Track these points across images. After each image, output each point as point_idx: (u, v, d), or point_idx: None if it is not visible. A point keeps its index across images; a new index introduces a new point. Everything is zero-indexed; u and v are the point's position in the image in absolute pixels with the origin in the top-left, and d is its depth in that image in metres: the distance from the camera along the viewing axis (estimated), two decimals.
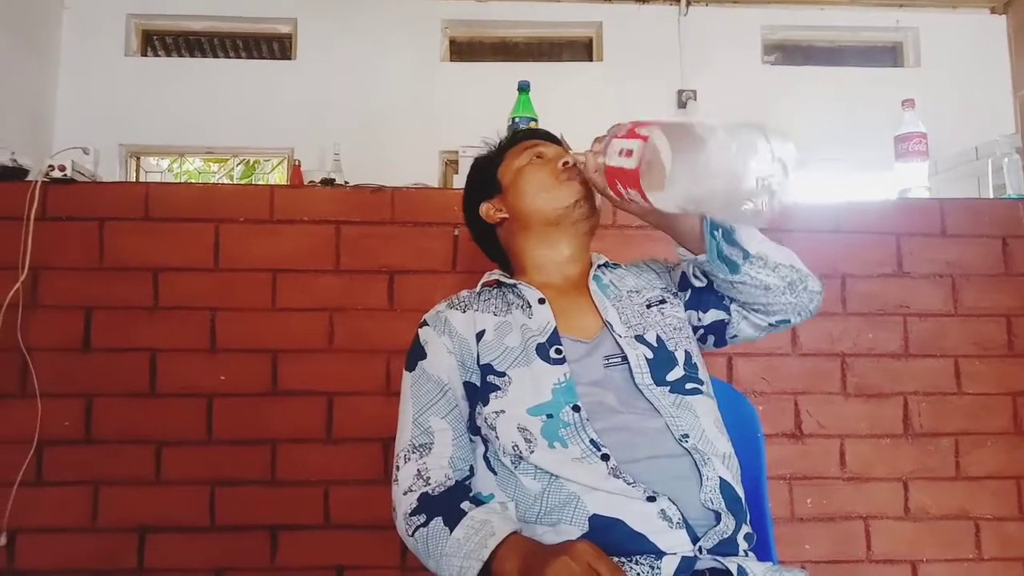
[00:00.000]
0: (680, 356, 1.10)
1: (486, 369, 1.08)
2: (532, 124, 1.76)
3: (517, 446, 1.01)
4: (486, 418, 1.05)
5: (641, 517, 0.93)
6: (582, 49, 5.07)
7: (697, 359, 1.12)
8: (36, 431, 1.63)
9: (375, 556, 1.66)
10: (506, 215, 1.23)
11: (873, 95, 4.44)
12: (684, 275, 1.19)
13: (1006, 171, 2.05)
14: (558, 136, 1.29)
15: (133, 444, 1.67)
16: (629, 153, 0.88)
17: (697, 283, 1.16)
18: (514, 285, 1.19)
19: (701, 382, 1.10)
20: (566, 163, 1.16)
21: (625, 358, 1.08)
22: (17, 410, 1.65)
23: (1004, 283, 1.87)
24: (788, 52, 5.09)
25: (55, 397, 1.66)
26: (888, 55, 5.11)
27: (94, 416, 1.67)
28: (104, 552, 1.64)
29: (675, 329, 1.13)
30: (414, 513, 1.00)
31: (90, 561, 1.63)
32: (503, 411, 1.04)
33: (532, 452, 1.00)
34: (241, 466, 1.68)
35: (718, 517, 0.96)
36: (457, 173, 2.02)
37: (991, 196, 2.23)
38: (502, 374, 1.07)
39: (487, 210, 1.25)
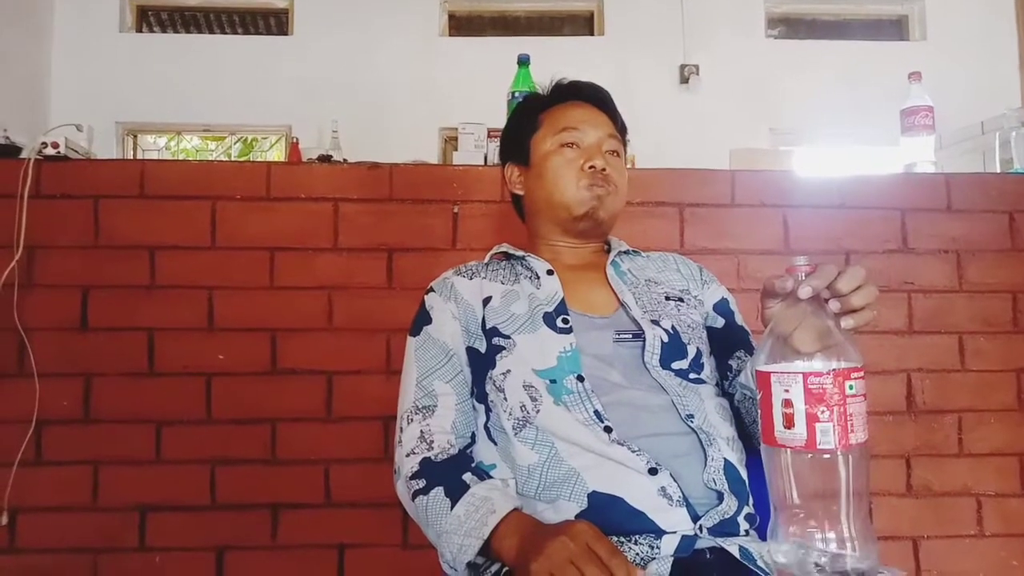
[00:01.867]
0: (691, 351, 1.08)
1: (492, 333, 1.07)
2: None
3: (524, 406, 1.01)
4: (495, 381, 1.04)
5: (641, 494, 0.92)
6: (583, 23, 5.01)
7: (706, 360, 1.11)
8: (35, 411, 1.63)
9: (376, 534, 1.66)
10: (523, 192, 1.22)
11: (878, 69, 4.40)
12: (710, 311, 1.20)
13: (1013, 145, 2.02)
14: (608, 96, 1.22)
15: (132, 423, 1.66)
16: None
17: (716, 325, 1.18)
18: (523, 257, 1.18)
19: (705, 378, 1.09)
20: (592, 167, 1.13)
21: (637, 335, 1.07)
22: (15, 390, 1.64)
23: (1010, 259, 1.85)
24: (792, 26, 5.02)
25: (53, 377, 1.65)
26: (893, 28, 5.05)
27: (93, 395, 1.67)
28: (105, 531, 1.64)
29: (689, 327, 1.12)
30: (415, 477, 0.99)
31: (91, 540, 1.63)
32: (510, 371, 1.03)
33: (538, 411, 1.00)
34: (241, 445, 1.67)
35: (720, 497, 0.95)
36: (457, 150, 1.99)
37: (998, 171, 2.20)
38: (507, 337, 1.06)
39: (510, 175, 1.25)
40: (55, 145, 1.69)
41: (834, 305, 0.78)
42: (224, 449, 1.67)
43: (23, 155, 1.73)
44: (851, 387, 0.76)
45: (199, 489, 1.66)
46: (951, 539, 1.78)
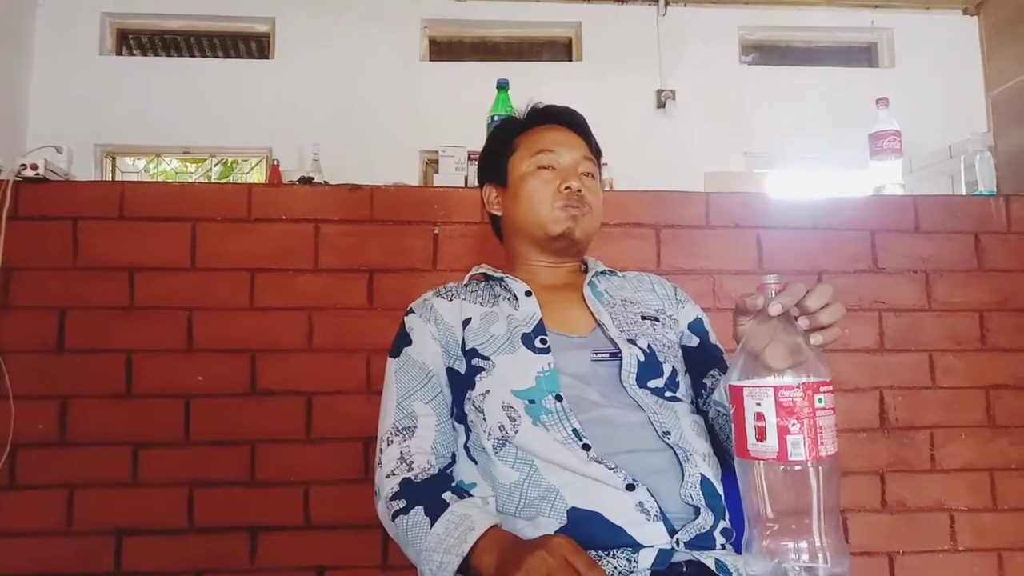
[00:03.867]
0: (667, 369, 1.10)
1: (471, 354, 1.08)
2: None
3: (503, 426, 1.02)
4: (474, 401, 1.05)
5: (619, 510, 0.94)
6: (562, 49, 5.08)
7: (681, 378, 1.13)
8: (10, 434, 1.61)
9: (356, 556, 1.65)
10: (500, 213, 1.24)
11: (849, 95, 4.50)
12: (685, 331, 1.22)
13: (978, 168, 2.08)
14: (583, 120, 1.25)
15: (109, 446, 1.65)
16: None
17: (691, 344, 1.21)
18: (501, 278, 1.20)
19: (681, 396, 1.10)
20: (568, 188, 1.15)
21: (614, 355, 1.09)
22: None
23: (977, 278, 1.90)
24: (765, 52, 5.13)
25: (29, 399, 1.64)
26: (863, 55, 5.18)
27: (69, 418, 1.65)
28: (80, 555, 1.61)
29: (665, 346, 1.14)
30: (395, 498, 1.00)
31: (66, 565, 1.61)
32: (489, 391, 1.04)
33: (517, 432, 1.01)
34: (220, 467, 1.66)
35: (697, 512, 0.97)
36: (437, 172, 2.01)
37: (964, 193, 2.26)
38: (486, 358, 1.07)
39: (488, 196, 1.27)
40: (34, 166, 1.69)
41: (803, 322, 0.81)
42: (202, 471, 1.66)
43: (1, 176, 1.72)
44: (820, 400, 0.78)
45: (176, 512, 1.64)
46: (925, 554, 1.80)
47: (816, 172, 4.63)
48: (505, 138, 1.25)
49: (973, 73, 4.70)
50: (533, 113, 1.26)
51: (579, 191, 1.16)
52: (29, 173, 1.68)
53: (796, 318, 0.81)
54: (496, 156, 1.25)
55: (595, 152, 1.25)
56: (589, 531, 0.93)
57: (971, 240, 1.91)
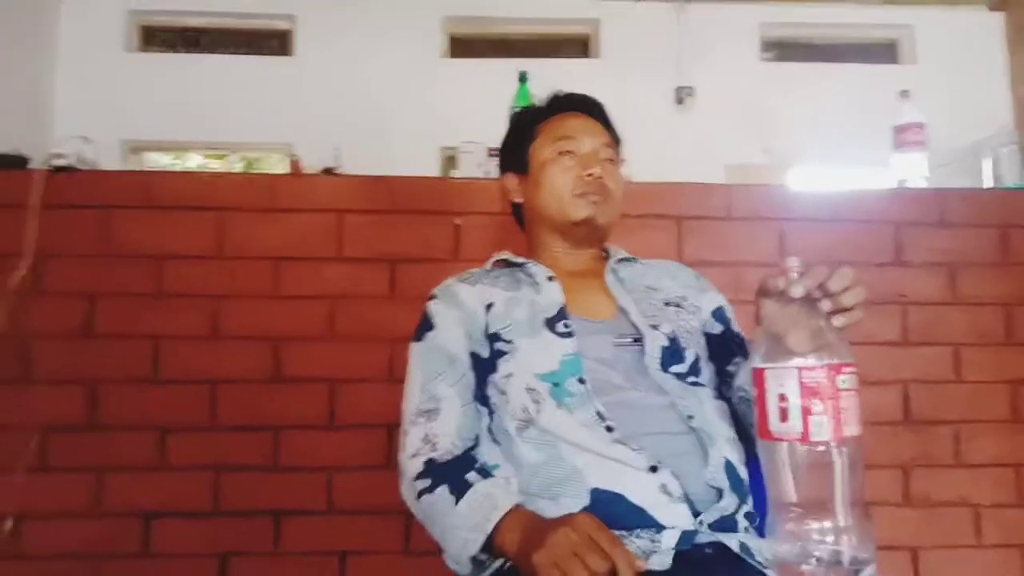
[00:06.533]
0: (689, 355, 1.11)
1: (494, 337, 1.09)
2: None
3: (526, 408, 1.02)
4: (497, 384, 1.06)
5: (642, 491, 0.94)
6: (580, 46, 5.08)
7: (703, 364, 1.13)
8: (41, 417, 1.64)
9: (378, 541, 1.67)
10: (521, 201, 1.25)
11: (871, 92, 4.45)
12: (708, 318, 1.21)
13: (1004, 162, 2.06)
14: (603, 107, 1.26)
15: (137, 430, 1.68)
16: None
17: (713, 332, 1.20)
18: (523, 264, 1.20)
19: (704, 382, 1.11)
20: (591, 175, 1.16)
21: (637, 340, 1.09)
22: (21, 396, 1.65)
23: (1002, 272, 1.88)
24: (786, 49, 5.10)
25: (59, 384, 1.67)
26: (885, 52, 5.13)
27: (98, 402, 1.68)
28: (108, 537, 1.64)
29: (688, 332, 1.14)
30: (419, 477, 1.01)
31: (95, 546, 1.64)
32: (512, 374, 1.05)
33: (540, 413, 1.01)
34: (244, 452, 1.68)
35: (720, 494, 0.97)
36: (456, 169, 2.02)
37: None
38: (509, 341, 1.08)
39: (508, 184, 1.27)
40: (64, 157, 1.72)
41: (825, 305, 0.81)
42: (227, 456, 1.68)
43: (31, 167, 1.75)
44: (844, 381, 0.79)
45: (202, 495, 1.67)
46: (950, 549, 1.79)
47: (837, 169, 4.59)
48: (525, 125, 1.26)
49: (997, 70, 4.68)
50: (553, 101, 1.27)
51: (600, 177, 1.16)
52: (60, 162, 1.71)
53: (818, 301, 0.82)
54: (517, 143, 1.26)
55: (615, 139, 1.25)
56: (611, 511, 0.93)
57: (996, 233, 1.89)
